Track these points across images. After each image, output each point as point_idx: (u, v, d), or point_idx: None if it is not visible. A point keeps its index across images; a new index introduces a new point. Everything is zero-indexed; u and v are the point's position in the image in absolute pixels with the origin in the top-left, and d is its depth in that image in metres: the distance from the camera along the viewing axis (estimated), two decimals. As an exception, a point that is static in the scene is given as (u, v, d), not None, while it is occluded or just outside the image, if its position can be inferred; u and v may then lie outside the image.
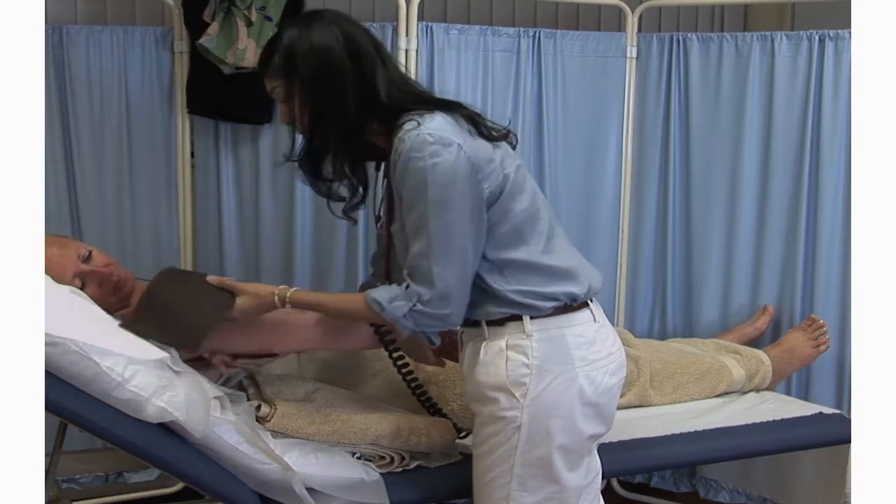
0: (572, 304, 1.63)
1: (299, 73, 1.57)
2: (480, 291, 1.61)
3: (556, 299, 1.60)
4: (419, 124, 1.53)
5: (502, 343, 1.61)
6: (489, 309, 1.62)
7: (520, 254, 1.60)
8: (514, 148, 1.69)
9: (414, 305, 1.56)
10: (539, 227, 1.62)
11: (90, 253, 1.86)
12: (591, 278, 1.67)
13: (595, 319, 1.65)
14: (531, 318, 1.60)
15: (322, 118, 1.60)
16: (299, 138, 1.70)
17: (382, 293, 1.59)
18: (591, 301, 1.68)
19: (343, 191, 1.74)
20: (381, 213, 1.79)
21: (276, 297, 1.70)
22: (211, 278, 1.77)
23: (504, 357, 1.60)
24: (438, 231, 1.53)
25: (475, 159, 1.54)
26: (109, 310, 1.83)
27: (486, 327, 1.63)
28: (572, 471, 1.63)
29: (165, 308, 1.76)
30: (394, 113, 1.59)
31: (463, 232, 1.54)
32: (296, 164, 1.71)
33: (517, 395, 1.59)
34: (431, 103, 1.61)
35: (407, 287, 1.57)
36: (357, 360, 2.11)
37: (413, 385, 1.93)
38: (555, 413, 1.59)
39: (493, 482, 1.63)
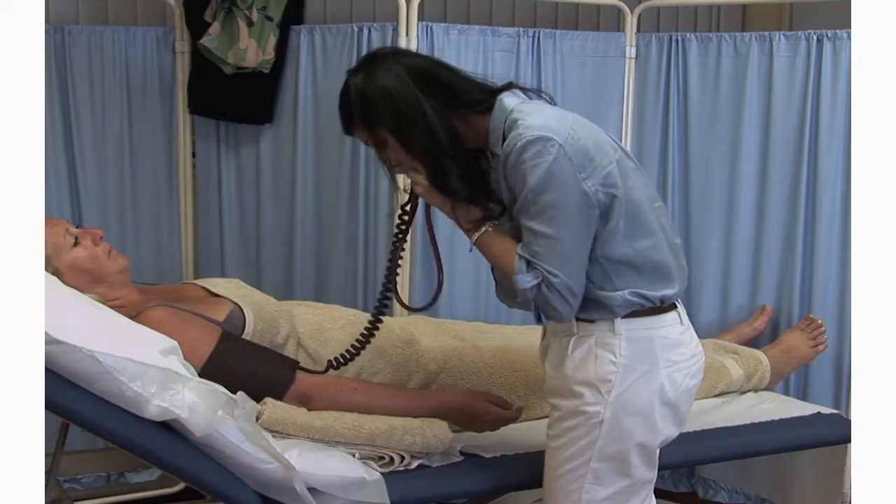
0: (661, 306, 1.65)
1: (381, 120, 1.61)
2: (584, 296, 1.61)
3: (650, 301, 1.63)
4: (517, 121, 1.55)
5: (592, 340, 1.64)
6: (589, 312, 1.63)
7: (625, 250, 1.60)
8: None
9: (540, 282, 1.55)
10: (644, 220, 1.62)
11: (78, 226, 1.94)
12: (682, 278, 1.69)
13: (681, 322, 1.69)
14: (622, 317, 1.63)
15: (424, 150, 1.62)
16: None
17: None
18: (678, 303, 1.70)
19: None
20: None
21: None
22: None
23: (593, 354, 1.63)
24: (553, 233, 1.53)
25: (575, 156, 1.53)
26: (109, 284, 1.90)
27: (574, 323, 1.65)
28: (645, 466, 1.67)
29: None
30: (476, 102, 1.63)
31: (574, 231, 1.55)
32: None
33: (602, 391, 1.61)
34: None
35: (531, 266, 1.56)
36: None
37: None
38: (636, 411, 1.62)
39: (567, 475, 1.66)
